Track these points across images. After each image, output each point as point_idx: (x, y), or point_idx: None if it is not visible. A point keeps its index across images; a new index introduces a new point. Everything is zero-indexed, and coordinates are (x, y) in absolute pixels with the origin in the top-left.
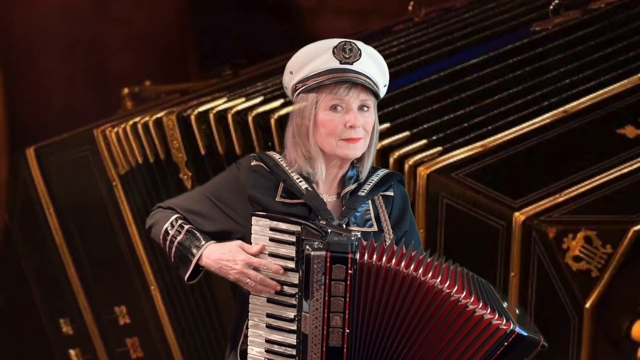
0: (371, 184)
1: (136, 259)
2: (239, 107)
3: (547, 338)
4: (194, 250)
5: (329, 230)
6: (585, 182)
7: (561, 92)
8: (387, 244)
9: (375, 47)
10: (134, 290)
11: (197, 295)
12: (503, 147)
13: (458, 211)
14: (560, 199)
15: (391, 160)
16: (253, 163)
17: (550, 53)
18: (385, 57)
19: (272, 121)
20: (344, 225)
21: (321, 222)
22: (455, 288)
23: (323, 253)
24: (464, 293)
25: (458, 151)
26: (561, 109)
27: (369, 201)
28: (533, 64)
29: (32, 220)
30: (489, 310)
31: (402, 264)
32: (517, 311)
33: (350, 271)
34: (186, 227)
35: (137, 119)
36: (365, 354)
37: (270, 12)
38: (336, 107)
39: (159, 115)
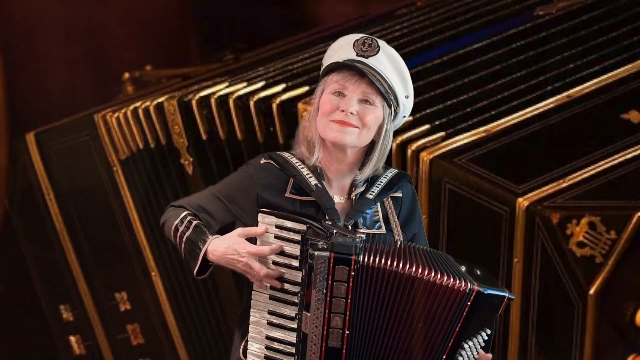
0: (380, 186)
1: (137, 245)
2: (241, 92)
3: (551, 324)
4: (201, 245)
5: (334, 231)
6: (589, 168)
7: (565, 77)
8: (394, 245)
9: (377, 32)
10: (134, 276)
11: (199, 282)
12: (506, 132)
13: (461, 197)
14: (564, 185)
15: (394, 145)
16: (262, 161)
17: (553, 37)
18: (388, 42)
19: (274, 106)
20: (349, 227)
21: (327, 222)
22: (427, 271)
23: (327, 254)
24: (433, 273)
25: (461, 136)
26: (565, 93)
27: (378, 203)
28: (536, 49)
29: (32, 206)
30: (451, 278)
31: (401, 264)
32: (479, 272)
33: (352, 273)
34: (194, 222)
35: (137, 104)
36: (363, 353)
37: None
38: (339, 92)
39: (160, 100)
